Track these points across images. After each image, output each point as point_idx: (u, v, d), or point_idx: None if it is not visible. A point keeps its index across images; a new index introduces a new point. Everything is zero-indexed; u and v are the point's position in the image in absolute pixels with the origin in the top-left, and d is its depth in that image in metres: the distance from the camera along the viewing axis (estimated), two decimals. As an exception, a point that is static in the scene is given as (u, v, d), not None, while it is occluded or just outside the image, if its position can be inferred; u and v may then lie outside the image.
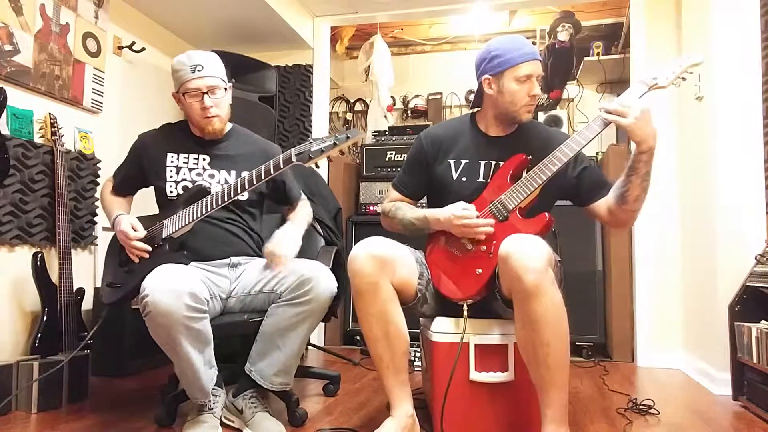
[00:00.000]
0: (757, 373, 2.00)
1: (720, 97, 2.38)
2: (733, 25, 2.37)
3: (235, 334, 1.91)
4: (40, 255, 2.23)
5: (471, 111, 1.88)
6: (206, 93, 1.82)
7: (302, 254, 1.88)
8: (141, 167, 1.95)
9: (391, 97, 4.08)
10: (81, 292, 2.35)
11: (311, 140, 1.63)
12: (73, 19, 2.58)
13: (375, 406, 2.05)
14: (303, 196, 2.09)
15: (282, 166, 1.65)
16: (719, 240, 2.35)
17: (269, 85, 3.20)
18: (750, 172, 2.31)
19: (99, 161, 2.71)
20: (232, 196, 1.71)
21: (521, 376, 1.62)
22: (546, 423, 1.46)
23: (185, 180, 1.89)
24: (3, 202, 2.20)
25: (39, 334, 2.16)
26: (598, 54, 3.68)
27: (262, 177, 1.67)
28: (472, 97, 1.86)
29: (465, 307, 1.61)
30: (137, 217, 1.85)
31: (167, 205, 1.85)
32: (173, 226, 1.75)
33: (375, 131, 3.82)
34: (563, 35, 3.63)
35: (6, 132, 2.22)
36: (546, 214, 1.58)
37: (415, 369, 2.62)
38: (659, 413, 1.99)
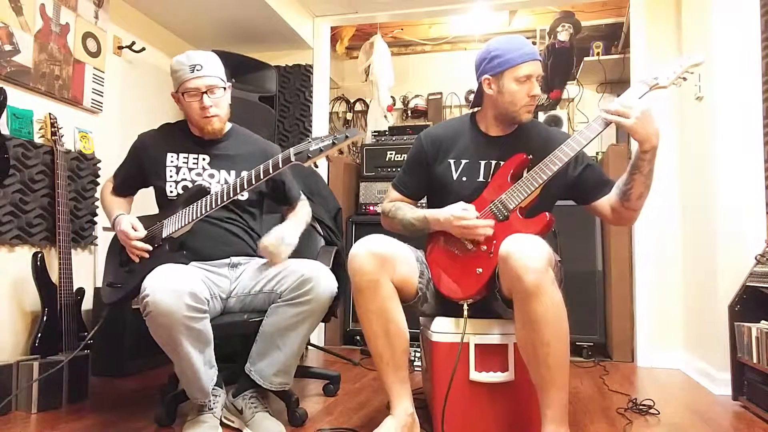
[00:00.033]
0: (757, 373, 2.00)
1: (720, 97, 2.38)
2: (733, 25, 2.37)
3: (235, 334, 1.91)
4: (40, 255, 2.23)
5: (471, 111, 1.88)
6: (205, 92, 1.82)
7: (302, 254, 1.88)
8: (141, 167, 1.95)
9: (391, 97, 4.08)
10: (81, 292, 2.35)
11: (310, 140, 1.63)
12: (73, 19, 2.58)
13: (375, 406, 2.05)
14: (303, 197, 2.09)
15: (281, 166, 1.65)
16: (719, 240, 2.35)
17: (269, 85, 3.20)
18: (750, 172, 2.31)
19: (99, 161, 2.71)
20: (231, 195, 1.71)
21: (521, 376, 1.62)
22: (546, 423, 1.46)
23: (185, 180, 1.89)
24: (3, 202, 2.20)
25: (39, 334, 2.16)
26: (598, 54, 3.68)
27: (261, 177, 1.67)
28: (472, 97, 1.87)
29: (465, 307, 1.61)
30: (137, 217, 1.85)
31: (167, 205, 1.85)
32: (173, 225, 1.75)
33: (375, 131, 3.82)
34: (563, 35, 3.63)
35: (6, 132, 2.22)
36: (546, 213, 1.58)
37: (415, 369, 2.62)
38: (659, 413, 1.99)
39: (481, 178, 1.74)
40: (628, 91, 1.58)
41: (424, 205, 1.88)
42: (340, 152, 3.90)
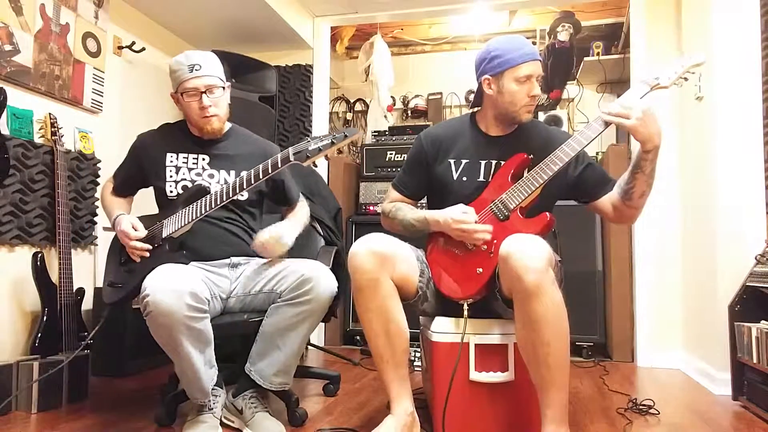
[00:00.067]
0: (757, 373, 2.00)
1: (720, 97, 2.38)
2: (733, 25, 2.37)
3: (235, 334, 1.91)
4: (40, 255, 2.23)
5: (471, 111, 1.88)
6: (204, 92, 1.82)
7: (302, 254, 1.88)
8: (141, 167, 1.95)
9: (391, 97, 4.08)
10: (81, 292, 2.35)
11: (309, 139, 1.62)
12: (73, 19, 2.58)
13: (375, 406, 2.05)
14: (302, 198, 2.09)
15: (280, 165, 1.65)
16: (719, 240, 2.35)
17: (269, 85, 3.20)
18: (750, 172, 2.31)
19: (99, 161, 2.71)
20: (231, 195, 1.71)
21: (521, 376, 1.62)
22: (546, 423, 1.46)
23: (185, 180, 1.89)
24: (3, 202, 2.20)
25: (39, 334, 2.16)
26: (598, 54, 3.68)
27: (261, 176, 1.67)
28: (472, 97, 1.87)
29: (465, 307, 1.61)
30: (138, 217, 1.85)
31: (167, 205, 1.85)
32: (173, 225, 1.75)
33: (375, 131, 3.82)
34: (563, 35, 3.63)
35: (6, 132, 2.22)
36: (547, 213, 1.58)
37: (415, 369, 2.62)
38: (659, 413, 1.99)
39: (481, 178, 1.74)
40: (629, 91, 1.59)
41: (424, 205, 1.88)
42: (339, 152, 3.90)
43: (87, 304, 2.46)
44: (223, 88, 1.87)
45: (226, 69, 1.91)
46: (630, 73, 3.14)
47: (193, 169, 1.90)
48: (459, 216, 1.61)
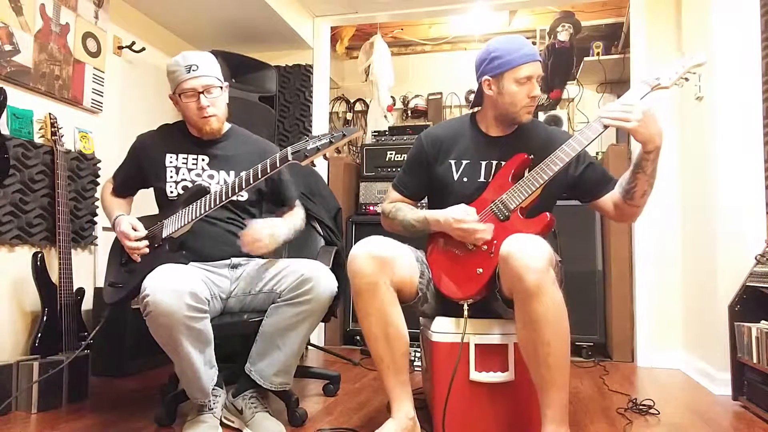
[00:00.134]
0: (757, 373, 2.00)
1: (720, 97, 2.38)
2: (733, 25, 2.37)
3: (235, 334, 1.91)
4: (40, 255, 2.23)
5: (471, 111, 1.88)
6: (202, 93, 1.81)
7: (302, 254, 1.88)
8: (140, 168, 1.95)
9: (391, 97, 4.08)
10: (81, 292, 2.35)
11: (308, 139, 1.62)
12: (73, 19, 2.58)
13: (375, 406, 2.05)
14: (299, 204, 2.06)
15: (278, 165, 1.64)
16: (719, 240, 2.35)
17: (269, 85, 3.20)
18: (750, 172, 2.31)
19: (99, 161, 2.71)
20: (230, 195, 1.71)
21: (521, 376, 1.62)
22: (546, 423, 1.46)
23: (185, 180, 1.88)
24: (3, 202, 2.20)
25: (39, 334, 2.16)
26: (598, 54, 3.68)
27: (260, 176, 1.67)
28: (472, 97, 1.86)
29: (465, 307, 1.61)
30: (138, 218, 1.85)
31: (167, 205, 1.85)
32: (173, 225, 1.75)
33: (375, 131, 3.82)
34: (563, 35, 3.63)
35: (6, 132, 2.22)
36: (547, 213, 1.58)
37: (415, 369, 2.62)
38: (659, 413, 1.99)
39: (481, 179, 1.74)
40: (628, 92, 1.58)
41: (424, 205, 1.88)
42: (338, 151, 3.90)
43: (87, 304, 2.46)
44: (221, 88, 1.87)
45: (226, 69, 1.91)
46: (630, 73, 3.14)
47: (192, 169, 1.90)
48: (460, 215, 1.61)
